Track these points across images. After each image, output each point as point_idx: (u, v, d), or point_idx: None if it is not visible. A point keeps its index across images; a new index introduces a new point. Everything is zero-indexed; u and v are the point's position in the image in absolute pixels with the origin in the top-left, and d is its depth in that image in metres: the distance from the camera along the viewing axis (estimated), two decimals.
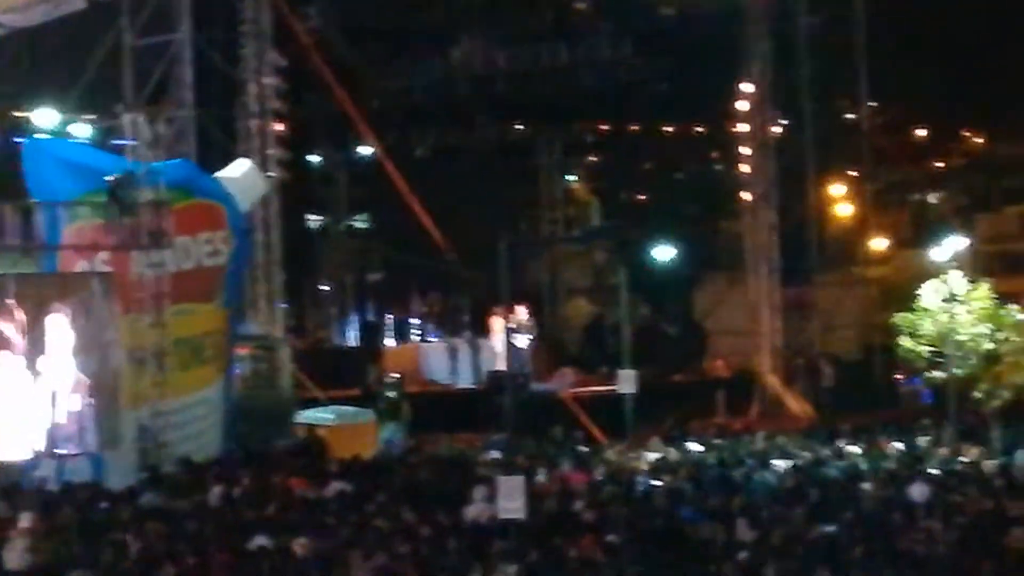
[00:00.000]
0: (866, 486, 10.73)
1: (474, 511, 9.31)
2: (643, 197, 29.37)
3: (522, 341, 19.94)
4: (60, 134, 16.37)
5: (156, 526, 8.37)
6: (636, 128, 27.22)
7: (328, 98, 19.69)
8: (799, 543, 7.82)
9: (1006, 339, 15.88)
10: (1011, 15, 24.17)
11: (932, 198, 30.61)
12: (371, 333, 23.52)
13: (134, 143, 12.79)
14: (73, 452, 12.03)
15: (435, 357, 21.68)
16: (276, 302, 17.66)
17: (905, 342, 16.42)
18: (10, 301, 11.79)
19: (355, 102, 19.41)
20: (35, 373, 12.02)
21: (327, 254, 25.56)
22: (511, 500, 7.57)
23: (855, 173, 25.70)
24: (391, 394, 17.54)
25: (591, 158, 29.15)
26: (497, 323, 18.99)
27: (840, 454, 13.40)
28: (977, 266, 19.25)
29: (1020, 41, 24.75)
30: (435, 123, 25.72)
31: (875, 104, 25.36)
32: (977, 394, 15.94)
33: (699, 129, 27.18)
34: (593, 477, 12.11)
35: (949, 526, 8.45)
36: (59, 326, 12.18)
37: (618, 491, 10.76)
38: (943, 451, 13.66)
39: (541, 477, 11.36)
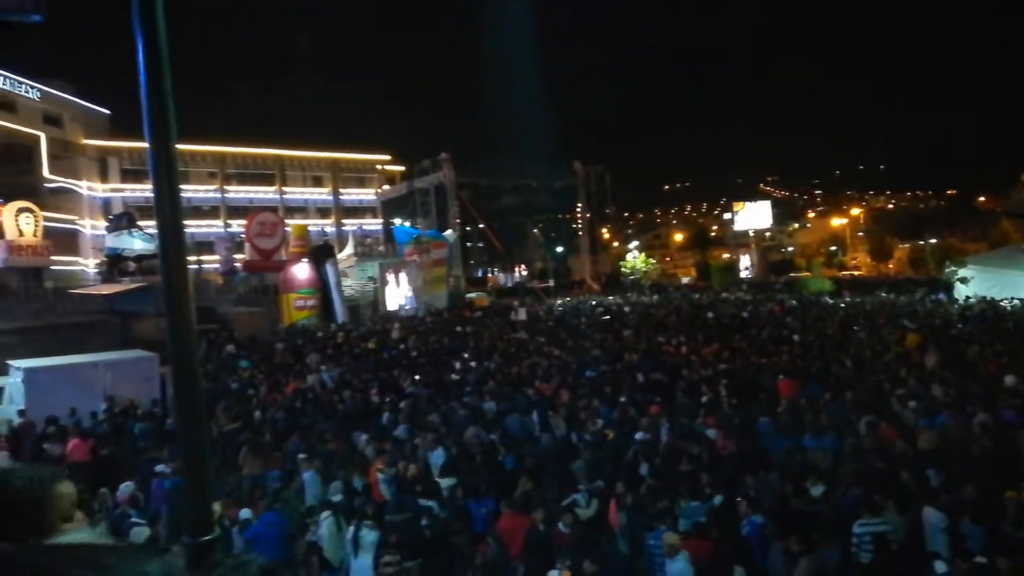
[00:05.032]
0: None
1: (515, 315, 43.20)
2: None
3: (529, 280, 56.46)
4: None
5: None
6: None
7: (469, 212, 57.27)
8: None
9: None
10: None
11: None
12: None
13: (422, 226, 48.99)
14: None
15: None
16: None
17: None
18: (392, 271, 47.10)
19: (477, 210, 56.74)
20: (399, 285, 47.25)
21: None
22: (521, 314, 41.69)
23: None
24: None
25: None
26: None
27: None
28: None
29: None
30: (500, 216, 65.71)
31: None
32: None
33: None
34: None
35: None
36: (403, 275, 47.36)
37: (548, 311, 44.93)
38: None
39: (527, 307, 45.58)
